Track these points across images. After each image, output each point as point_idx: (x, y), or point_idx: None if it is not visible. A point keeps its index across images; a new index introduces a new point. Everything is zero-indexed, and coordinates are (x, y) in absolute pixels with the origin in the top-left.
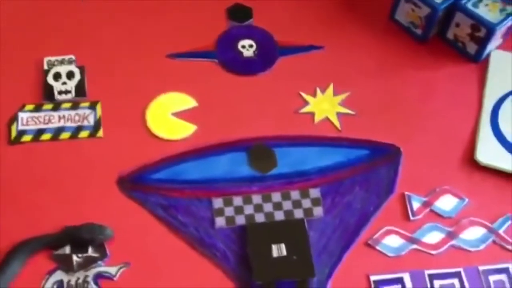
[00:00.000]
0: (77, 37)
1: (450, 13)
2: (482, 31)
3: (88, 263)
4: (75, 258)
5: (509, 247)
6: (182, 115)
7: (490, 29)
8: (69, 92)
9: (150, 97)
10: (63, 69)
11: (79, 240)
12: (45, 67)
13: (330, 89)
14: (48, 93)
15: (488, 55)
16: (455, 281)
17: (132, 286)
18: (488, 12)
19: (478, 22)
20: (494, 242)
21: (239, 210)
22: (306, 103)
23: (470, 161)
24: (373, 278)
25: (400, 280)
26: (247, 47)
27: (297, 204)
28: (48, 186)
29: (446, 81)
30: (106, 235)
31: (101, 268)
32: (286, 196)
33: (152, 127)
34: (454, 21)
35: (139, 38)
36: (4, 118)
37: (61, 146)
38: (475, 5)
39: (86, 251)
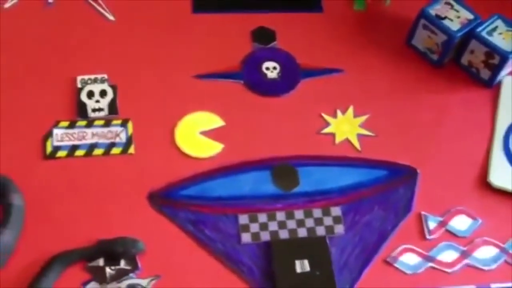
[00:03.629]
0: (109, 57)
1: (465, 40)
2: (496, 59)
3: (121, 275)
4: (108, 270)
5: None
6: (209, 134)
7: (504, 57)
8: (102, 110)
9: (178, 115)
10: (96, 88)
11: (113, 253)
12: (79, 85)
13: (350, 111)
14: (81, 111)
15: (500, 81)
16: None
17: None
18: (502, 41)
19: (492, 50)
20: (506, 261)
21: (264, 226)
22: (327, 124)
23: (483, 183)
24: None
25: None
26: (271, 69)
27: (319, 222)
28: (81, 201)
29: (460, 105)
30: (138, 249)
31: (133, 280)
32: (308, 214)
33: (181, 145)
34: (469, 48)
35: (168, 59)
36: (40, 134)
37: (94, 162)
38: (490, 33)
39: (119, 264)
